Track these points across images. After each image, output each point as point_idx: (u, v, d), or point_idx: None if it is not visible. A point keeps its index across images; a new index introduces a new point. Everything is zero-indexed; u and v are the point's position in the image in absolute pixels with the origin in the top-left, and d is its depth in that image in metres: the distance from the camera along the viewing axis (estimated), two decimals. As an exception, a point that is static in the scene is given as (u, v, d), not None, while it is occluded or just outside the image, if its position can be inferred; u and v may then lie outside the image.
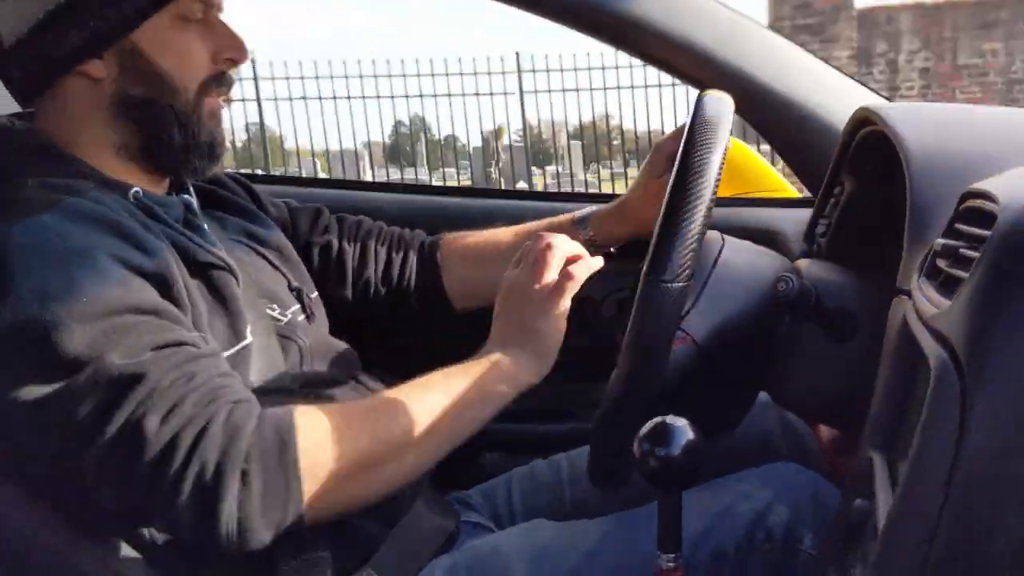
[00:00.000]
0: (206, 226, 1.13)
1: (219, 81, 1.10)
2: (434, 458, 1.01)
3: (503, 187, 10.79)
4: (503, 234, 1.43)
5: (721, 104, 0.94)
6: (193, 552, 0.97)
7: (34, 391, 0.86)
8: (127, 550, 0.96)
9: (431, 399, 1.00)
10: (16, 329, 0.87)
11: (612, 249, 1.42)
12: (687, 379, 0.94)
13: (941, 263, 0.67)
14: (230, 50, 1.10)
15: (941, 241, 0.68)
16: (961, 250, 0.64)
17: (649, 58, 1.53)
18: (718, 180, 0.89)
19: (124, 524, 0.96)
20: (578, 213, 1.41)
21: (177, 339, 0.92)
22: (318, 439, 0.92)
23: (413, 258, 1.43)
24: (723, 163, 0.90)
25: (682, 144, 0.90)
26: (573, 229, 1.39)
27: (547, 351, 1.08)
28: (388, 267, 1.42)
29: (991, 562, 0.53)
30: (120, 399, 0.86)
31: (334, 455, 0.92)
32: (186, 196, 1.14)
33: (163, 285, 0.96)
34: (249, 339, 1.06)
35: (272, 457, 0.89)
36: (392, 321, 1.44)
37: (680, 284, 0.86)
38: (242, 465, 0.87)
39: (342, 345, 1.25)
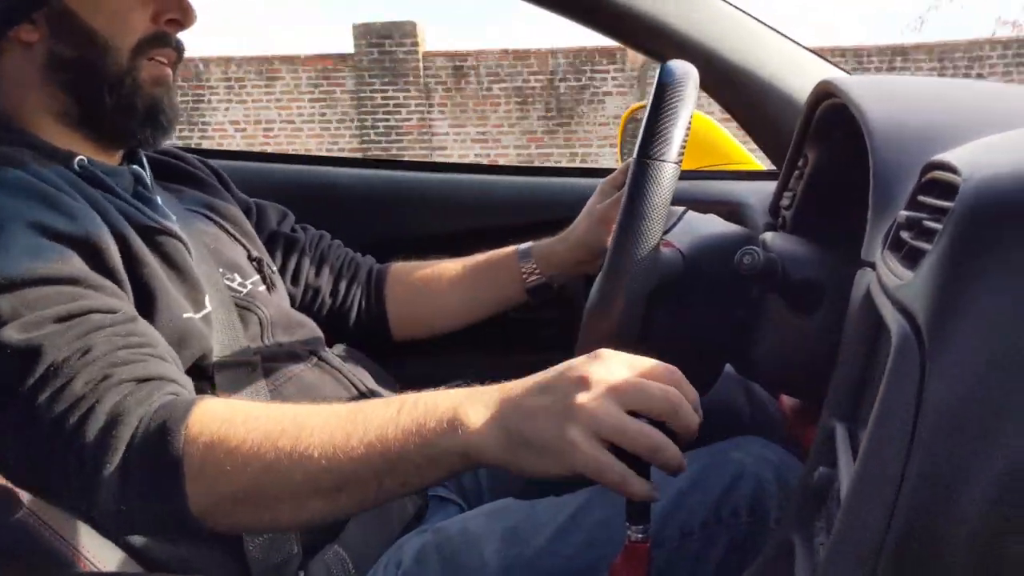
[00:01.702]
0: (159, 198, 1.12)
1: (159, 41, 1.06)
2: (341, 510, 0.84)
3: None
4: (449, 265, 1.44)
5: (686, 68, 0.95)
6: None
7: None
8: (86, 527, 0.94)
9: (358, 437, 0.80)
10: None
11: (554, 284, 1.42)
12: (673, 287, 0.94)
13: (904, 235, 0.68)
14: (173, 11, 1.07)
15: (904, 213, 0.69)
16: (924, 222, 0.64)
17: (612, 32, 1.52)
18: (688, 129, 0.90)
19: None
20: (521, 246, 1.41)
21: (84, 308, 0.88)
22: (208, 439, 0.82)
23: (361, 278, 1.46)
24: (690, 122, 0.91)
25: (654, 87, 0.91)
26: (515, 261, 1.39)
27: (522, 437, 0.76)
28: (337, 281, 1.43)
29: (953, 528, 0.54)
30: (15, 376, 0.84)
31: (224, 462, 0.81)
32: (136, 167, 1.12)
33: (89, 252, 0.93)
34: (208, 308, 1.05)
35: (152, 452, 0.82)
36: (332, 335, 1.42)
37: (672, 164, 0.86)
38: (122, 453, 0.82)
39: (304, 319, 1.25)
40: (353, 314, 1.44)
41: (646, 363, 0.77)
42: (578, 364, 0.77)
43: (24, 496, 0.89)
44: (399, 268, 1.47)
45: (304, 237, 1.43)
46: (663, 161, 0.87)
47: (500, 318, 1.46)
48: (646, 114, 0.91)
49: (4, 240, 0.88)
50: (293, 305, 1.37)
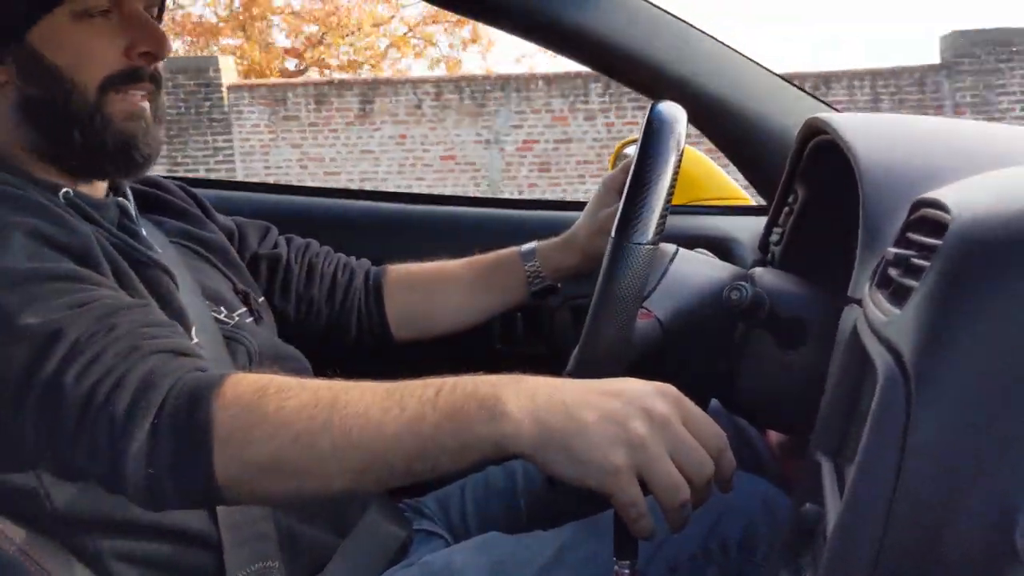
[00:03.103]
0: (143, 230, 1.11)
1: (130, 77, 1.05)
2: (367, 487, 0.86)
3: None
4: (450, 266, 1.43)
5: (675, 111, 0.95)
6: (143, 558, 0.96)
7: None
8: (72, 558, 0.94)
9: (393, 416, 0.78)
10: None
11: (558, 284, 1.42)
12: (650, 356, 0.94)
13: (892, 272, 0.68)
14: (146, 44, 1.05)
15: (893, 250, 0.69)
16: (912, 259, 0.65)
17: (603, 69, 1.53)
18: (677, 171, 0.90)
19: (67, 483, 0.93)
20: (524, 247, 1.40)
21: (96, 296, 0.88)
22: (239, 408, 0.81)
23: (359, 282, 1.42)
24: (679, 167, 0.91)
25: (638, 146, 0.92)
26: (518, 262, 1.39)
27: (562, 442, 0.73)
28: (333, 288, 1.41)
29: (940, 564, 0.53)
30: (40, 358, 0.83)
31: (254, 429, 0.80)
32: (121, 199, 1.12)
33: (86, 262, 0.93)
34: (195, 340, 1.04)
35: (183, 416, 0.81)
36: (333, 342, 1.43)
37: (648, 246, 0.87)
38: (151, 419, 0.80)
39: (292, 350, 1.24)
40: (354, 318, 1.41)
41: (705, 423, 0.76)
42: (645, 394, 0.75)
43: (15, 534, 0.89)
44: (397, 270, 1.44)
45: (288, 250, 1.40)
46: (639, 244, 0.87)
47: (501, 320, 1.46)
48: (627, 185, 0.90)
49: (7, 243, 0.88)
50: (289, 322, 1.36)
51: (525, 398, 0.75)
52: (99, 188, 1.11)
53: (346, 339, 1.41)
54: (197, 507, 0.96)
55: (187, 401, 0.81)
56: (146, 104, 1.07)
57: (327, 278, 1.41)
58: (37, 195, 0.97)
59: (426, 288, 1.41)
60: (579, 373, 0.92)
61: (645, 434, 0.72)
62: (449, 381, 0.79)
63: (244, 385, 0.82)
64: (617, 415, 0.73)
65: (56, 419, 0.83)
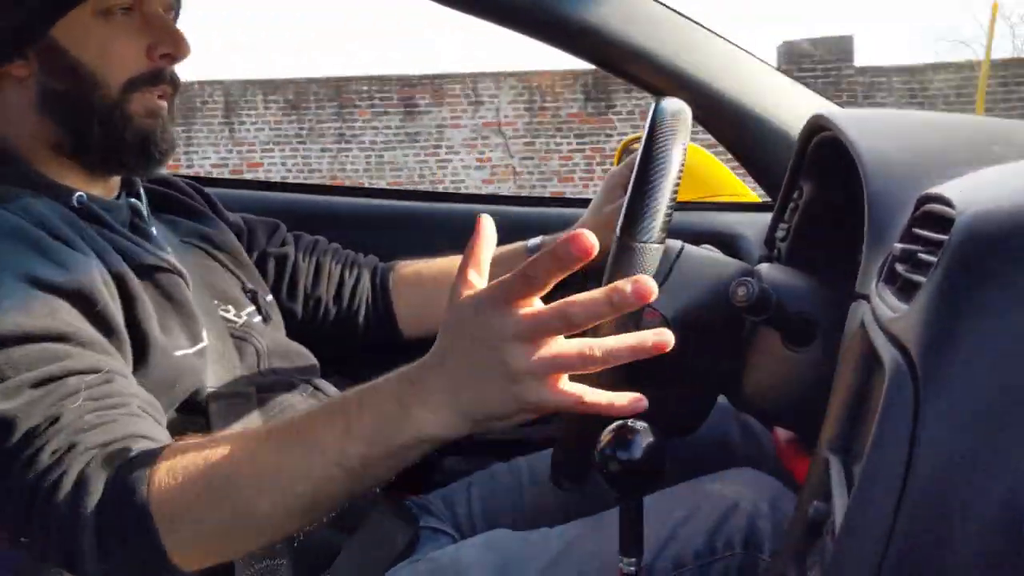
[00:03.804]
0: (155, 230, 1.12)
1: (153, 79, 1.06)
2: (321, 518, 0.86)
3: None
4: (457, 262, 1.42)
5: (680, 108, 0.95)
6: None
7: None
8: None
9: (317, 460, 0.80)
10: None
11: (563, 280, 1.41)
12: (656, 355, 0.94)
13: (899, 268, 0.68)
14: (166, 46, 1.07)
15: (899, 246, 0.69)
16: (919, 254, 0.65)
17: (607, 66, 1.53)
18: (682, 168, 0.89)
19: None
20: (530, 241, 1.40)
21: (65, 369, 0.88)
22: (173, 489, 0.82)
23: (366, 281, 1.43)
24: (684, 164, 0.91)
25: (642, 144, 0.91)
26: (524, 257, 1.38)
27: (480, 413, 0.77)
28: (340, 287, 1.41)
29: (948, 560, 0.53)
30: None
31: (191, 508, 0.82)
32: (133, 200, 1.12)
33: (81, 302, 0.93)
34: (205, 342, 1.05)
35: (124, 511, 0.82)
36: (342, 341, 1.43)
37: (653, 245, 0.86)
38: (93, 521, 0.82)
39: (300, 349, 1.24)
40: (361, 316, 1.42)
41: (520, 275, 0.76)
42: (475, 321, 0.77)
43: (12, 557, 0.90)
44: (405, 267, 1.45)
45: (296, 248, 1.41)
46: (644, 243, 0.87)
47: None
48: (631, 182, 0.90)
49: None
50: (297, 320, 1.37)
51: (425, 394, 0.77)
52: (112, 189, 1.12)
53: (354, 336, 1.42)
54: None
55: (123, 497, 0.82)
56: (164, 103, 1.09)
57: (335, 276, 1.41)
58: (46, 212, 0.97)
59: (433, 285, 1.41)
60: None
61: (513, 359, 0.73)
62: (352, 403, 0.81)
63: (169, 466, 0.83)
64: (489, 364, 0.75)
65: (12, 506, 0.85)
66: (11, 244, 0.92)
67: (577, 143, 10.21)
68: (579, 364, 0.73)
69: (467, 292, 0.80)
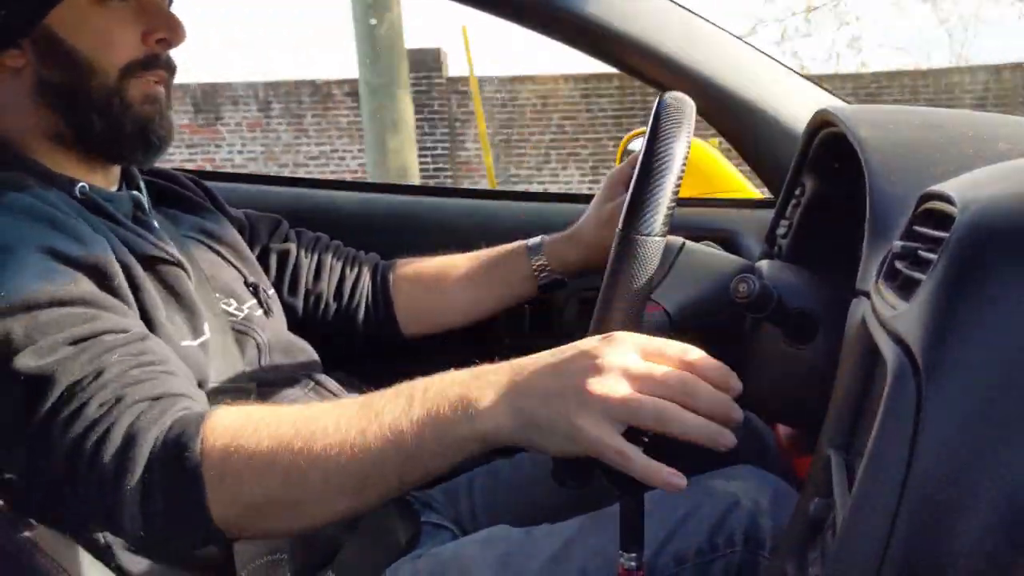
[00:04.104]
0: (156, 223, 1.12)
1: (149, 63, 1.06)
2: (367, 504, 0.84)
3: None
4: (457, 261, 1.43)
5: (682, 102, 0.95)
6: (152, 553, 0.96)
7: None
8: (80, 550, 0.94)
9: (373, 433, 0.80)
10: None
11: (565, 278, 1.42)
12: None
13: (900, 265, 0.68)
14: (162, 31, 1.06)
15: (900, 243, 0.69)
16: (919, 252, 0.64)
17: (611, 60, 1.53)
18: (685, 161, 0.90)
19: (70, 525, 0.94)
20: (531, 241, 1.41)
21: (97, 330, 0.88)
22: (224, 450, 0.81)
23: (366, 278, 1.44)
24: (687, 159, 0.91)
25: (645, 138, 0.91)
26: (525, 257, 1.39)
27: (541, 434, 0.77)
28: (341, 283, 1.42)
29: (949, 557, 0.53)
30: (32, 403, 0.84)
31: (243, 472, 0.81)
32: (135, 192, 1.12)
33: (98, 275, 0.93)
34: (207, 335, 1.05)
35: (173, 468, 0.82)
36: (341, 337, 1.43)
37: (656, 237, 0.86)
38: (140, 474, 0.82)
39: (301, 343, 1.25)
40: (361, 313, 1.42)
41: (661, 345, 0.77)
42: (591, 347, 0.77)
43: (26, 527, 0.90)
44: (405, 264, 1.45)
45: (298, 244, 1.41)
46: (647, 236, 0.87)
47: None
48: (634, 176, 0.90)
49: (16, 263, 0.88)
50: (297, 316, 1.37)
51: (493, 390, 0.78)
52: (113, 181, 1.12)
53: (354, 333, 1.42)
54: (197, 549, 0.96)
55: (173, 453, 0.82)
56: (162, 88, 1.08)
57: (335, 273, 1.41)
58: (53, 197, 0.97)
59: (433, 283, 1.42)
60: None
61: (596, 386, 0.74)
62: (419, 386, 0.81)
63: (223, 427, 0.83)
64: (568, 377, 0.76)
65: (50, 467, 0.85)
66: (28, 221, 0.92)
67: (188, 153, 10.28)
68: (652, 423, 0.74)
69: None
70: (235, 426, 0.83)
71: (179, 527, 0.83)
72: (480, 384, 0.79)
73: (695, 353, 0.78)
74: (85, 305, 0.90)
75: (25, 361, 0.84)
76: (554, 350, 0.80)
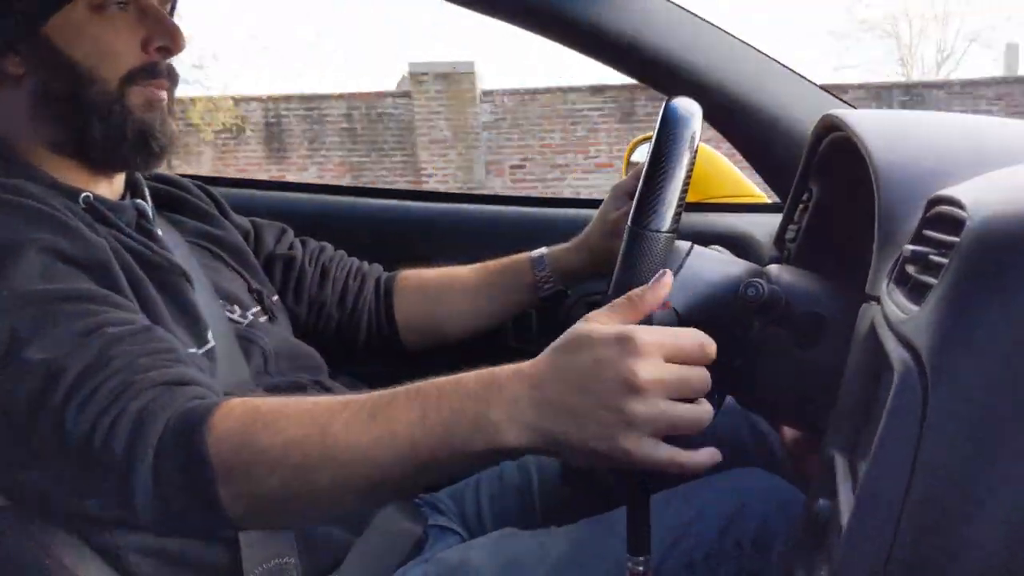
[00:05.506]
0: (160, 231, 1.12)
1: (150, 72, 1.06)
2: (379, 502, 0.87)
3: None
4: (460, 272, 1.44)
5: (690, 106, 0.95)
6: (161, 553, 0.96)
7: None
8: (90, 554, 0.94)
9: (386, 442, 0.79)
10: None
11: (568, 291, 1.42)
12: None
13: (910, 269, 0.68)
14: (161, 38, 1.06)
15: (910, 247, 0.69)
16: (930, 256, 0.64)
17: (618, 64, 1.53)
18: (692, 162, 0.90)
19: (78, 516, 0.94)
20: (535, 252, 1.41)
21: (102, 322, 0.89)
22: (233, 442, 0.81)
23: (370, 288, 1.44)
24: (694, 161, 0.91)
25: (652, 141, 0.91)
26: (529, 268, 1.39)
27: (564, 442, 0.75)
28: (344, 293, 1.42)
29: (954, 560, 0.53)
30: (41, 394, 0.85)
31: (252, 465, 0.81)
32: (139, 201, 1.13)
33: (101, 274, 0.94)
34: (211, 343, 1.05)
35: (183, 452, 0.81)
36: (343, 346, 1.43)
37: (665, 234, 0.87)
38: (152, 456, 0.82)
39: (307, 348, 1.25)
40: (363, 324, 1.42)
41: (679, 344, 0.76)
42: (614, 358, 0.74)
43: (35, 529, 0.90)
44: (408, 275, 1.45)
45: (303, 253, 1.41)
46: (656, 232, 0.87)
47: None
48: (643, 175, 0.90)
49: (21, 262, 0.89)
50: (300, 325, 1.37)
51: (510, 406, 0.76)
52: (117, 190, 1.12)
53: (356, 343, 1.42)
54: (213, 534, 0.97)
55: (183, 437, 0.82)
56: (163, 94, 1.08)
57: (339, 282, 1.42)
58: (56, 203, 0.97)
59: (436, 295, 1.43)
60: None
61: (640, 409, 0.73)
62: (432, 395, 0.79)
63: (233, 419, 0.82)
64: (603, 397, 0.74)
65: (63, 455, 0.85)
66: (34, 223, 0.93)
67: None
68: (689, 429, 0.75)
69: (626, 322, 0.79)
70: (244, 420, 0.82)
71: (192, 513, 0.83)
72: (498, 400, 0.76)
73: (710, 345, 0.78)
74: (90, 301, 0.91)
75: (33, 353, 0.85)
76: (564, 347, 0.77)
